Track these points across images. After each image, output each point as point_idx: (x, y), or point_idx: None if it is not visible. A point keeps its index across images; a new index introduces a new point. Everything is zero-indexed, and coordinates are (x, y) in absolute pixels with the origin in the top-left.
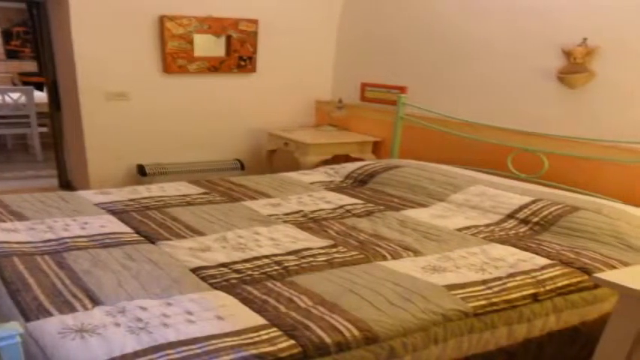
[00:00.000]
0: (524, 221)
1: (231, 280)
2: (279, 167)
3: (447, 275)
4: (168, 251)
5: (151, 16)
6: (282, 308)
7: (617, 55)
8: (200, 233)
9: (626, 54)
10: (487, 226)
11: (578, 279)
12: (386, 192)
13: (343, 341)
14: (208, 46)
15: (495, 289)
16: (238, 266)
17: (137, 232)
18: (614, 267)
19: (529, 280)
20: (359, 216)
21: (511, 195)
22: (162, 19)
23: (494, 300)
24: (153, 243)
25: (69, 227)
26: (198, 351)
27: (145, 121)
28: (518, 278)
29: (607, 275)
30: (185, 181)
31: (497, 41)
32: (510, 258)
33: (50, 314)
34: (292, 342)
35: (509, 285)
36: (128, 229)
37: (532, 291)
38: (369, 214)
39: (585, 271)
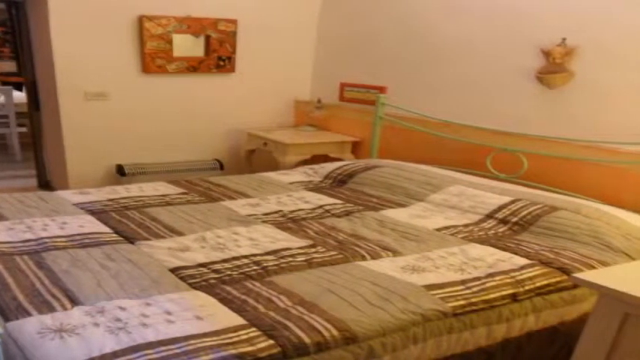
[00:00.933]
0: (504, 221)
1: (210, 280)
2: (258, 167)
3: (426, 275)
4: (148, 251)
5: (130, 16)
6: (261, 308)
7: (595, 55)
8: (179, 233)
9: (605, 54)
10: (466, 226)
11: (557, 279)
12: (365, 192)
13: (322, 341)
14: (187, 46)
15: (474, 289)
16: (217, 266)
17: (116, 232)
18: (593, 267)
19: (508, 280)
20: (338, 216)
21: (490, 195)
22: (141, 19)
23: (473, 300)
24: (132, 243)
25: (48, 227)
26: (178, 351)
27: (124, 121)
28: (497, 278)
29: (586, 275)
30: (164, 181)
31: (476, 41)
32: (489, 258)
33: (29, 314)
34: (271, 342)
35: (488, 285)
36: (107, 229)
37: (511, 291)
38: (348, 214)
39: (564, 271)
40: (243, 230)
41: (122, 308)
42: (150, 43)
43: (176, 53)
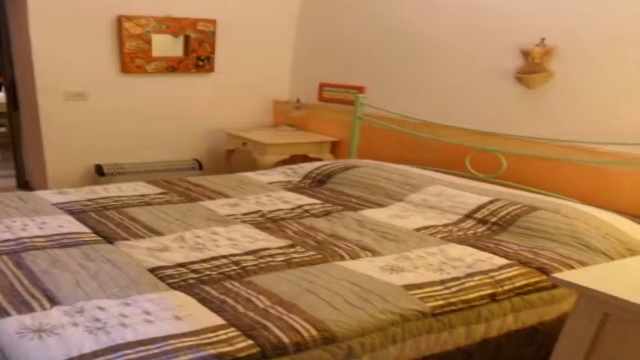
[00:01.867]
0: (483, 221)
1: (189, 280)
2: (237, 167)
3: (405, 275)
4: (127, 251)
5: (109, 15)
6: (241, 308)
7: (574, 55)
8: (158, 233)
9: (584, 54)
10: (445, 226)
11: (536, 279)
12: (344, 192)
13: (301, 341)
14: (166, 46)
15: (453, 289)
16: (196, 266)
17: (95, 232)
18: (572, 267)
19: (487, 280)
20: (317, 216)
21: (469, 195)
22: (120, 19)
23: (452, 300)
24: (111, 243)
25: (27, 227)
26: (157, 351)
27: (103, 121)
28: (476, 278)
29: (565, 275)
30: (143, 181)
31: (455, 41)
32: (468, 258)
33: (8, 314)
34: (250, 342)
35: (467, 285)
36: (86, 229)
37: (490, 291)
38: (327, 214)
39: (543, 271)
40: (222, 230)
41: (101, 308)
42: (129, 43)
43: (155, 53)
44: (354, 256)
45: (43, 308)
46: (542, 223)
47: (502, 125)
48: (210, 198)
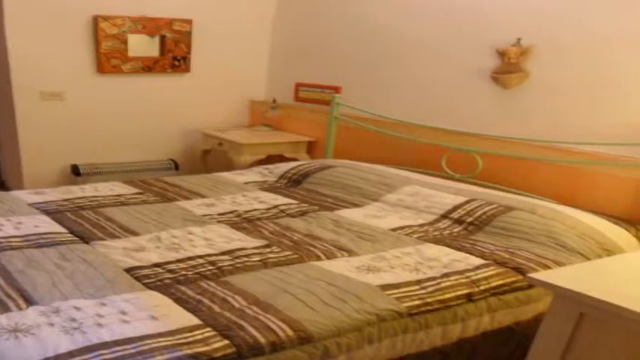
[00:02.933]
0: (459, 221)
1: (165, 280)
2: (213, 167)
3: (381, 275)
4: (103, 251)
5: (85, 15)
6: (217, 308)
7: (550, 55)
8: (134, 233)
9: (560, 54)
10: (421, 226)
11: (513, 279)
12: (320, 192)
13: (277, 341)
14: (142, 46)
15: (429, 289)
16: (172, 266)
17: (71, 232)
18: (548, 267)
19: (463, 280)
20: (293, 216)
21: (445, 195)
22: (96, 19)
23: (428, 300)
24: (87, 243)
25: (3, 227)
26: (133, 351)
27: (79, 121)
28: (452, 278)
29: (541, 275)
30: (119, 181)
31: (431, 41)
32: (444, 258)
33: None
34: (226, 342)
35: (443, 285)
36: (62, 229)
37: (466, 291)
38: (303, 214)
39: (519, 271)
40: (198, 230)
41: (77, 308)
42: (105, 43)
43: (131, 53)
44: (330, 256)
45: (19, 308)
46: (518, 223)
47: (478, 125)
48: (186, 198)
